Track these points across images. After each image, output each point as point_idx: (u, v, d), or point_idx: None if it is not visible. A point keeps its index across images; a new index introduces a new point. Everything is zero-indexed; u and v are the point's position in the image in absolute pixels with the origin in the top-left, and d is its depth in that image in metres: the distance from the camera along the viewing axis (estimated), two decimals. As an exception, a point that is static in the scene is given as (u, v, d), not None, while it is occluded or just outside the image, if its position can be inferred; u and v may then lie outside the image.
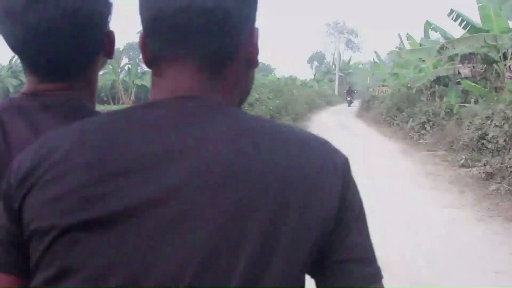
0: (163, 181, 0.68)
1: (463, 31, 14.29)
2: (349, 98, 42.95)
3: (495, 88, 14.18)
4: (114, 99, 61.85)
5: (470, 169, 9.57)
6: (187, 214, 0.67)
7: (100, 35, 1.05)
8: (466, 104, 15.99)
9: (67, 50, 0.98)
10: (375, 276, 0.78)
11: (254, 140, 0.72)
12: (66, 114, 0.98)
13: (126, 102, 56.44)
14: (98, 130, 0.75)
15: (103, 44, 1.06)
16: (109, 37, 1.08)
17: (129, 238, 0.68)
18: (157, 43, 0.77)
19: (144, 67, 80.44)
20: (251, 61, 0.82)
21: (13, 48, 1.01)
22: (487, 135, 9.92)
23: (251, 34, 0.81)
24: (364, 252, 0.78)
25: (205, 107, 0.74)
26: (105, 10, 1.04)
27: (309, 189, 0.72)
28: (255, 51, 0.82)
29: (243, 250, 0.67)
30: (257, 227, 0.68)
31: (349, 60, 71.87)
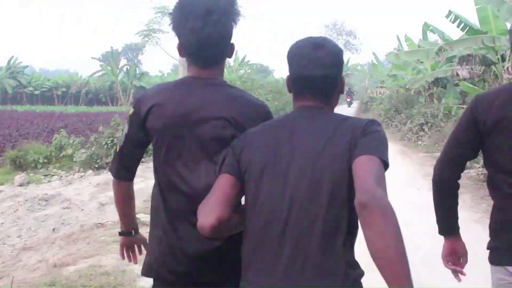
0: (300, 142, 1.64)
1: (461, 33, 14.31)
2: (348, 99, 43.08)
3: (493, 89, 14.20)
4: (113, 100, 61.81)
5: (468, 170, 9.58)
6: (300, 160, 1.62)
7: (229, 44, 1.98)
8: (464, 106, 16.01)
9: (218, 52, 1.95)
10: (375, 151, 1.56)
11: (335, 121, 1.67)
12: (221, 87, 1.94)
13: (125, 103, 56.42)
14: (275, 122, 1.80)
15: (229, 49, 2.00)
16: (231, 46, 2.00)
17: (286, 167, 1.62)
18: (297, 87, 1.76)
19: (143, 68, 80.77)
20: (341, 91, 1.82)
21: (188, 50, 1.93)
22: (485, 136, 9.93)
23: (341, 80, 1.81)
24: (372, 146, 1.57)
25: (318, 111, 1.73)
26: (232, 30, 1.96)
27: (350, 132, 1.61)
28: (343, 87, 1.83)
29: (327, 169, 1.59)
30: (332, 163, 1.59)
31: (348, 62, 71.87)
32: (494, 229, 2.18)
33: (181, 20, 1.89)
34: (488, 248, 2.24)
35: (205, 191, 1.74)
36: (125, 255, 2.31)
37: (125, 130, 2.01)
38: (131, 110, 1.99)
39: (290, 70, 1.76)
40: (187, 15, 1.87)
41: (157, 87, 2.05)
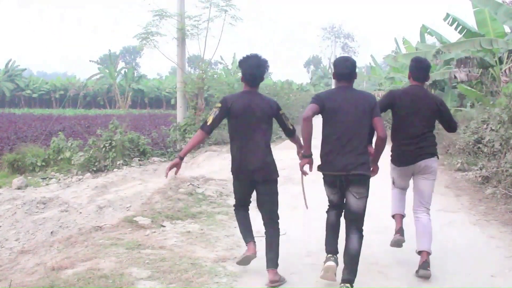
0: (344, 102, 4.31)
1: (459, 36, 14.35)
2: None
3: (491, 92, 14.22)
4: (111, 103, 61.76)
5: (466, 173, 9.59)
6: (347, 106, 4.29)
7: (263, 77, 4.68)
8: (462, 108, 16.02)
9: (259, 81, 4.58)
10: (379, 114, 4.41)
11: (359, 93, 4.49)
12: (260, 94, 4.63)
13: (123, 106, 56.40)
14: (334, 90, 4.50)
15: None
16: (263, 78, 4.74)
17: (341, 113, 4.32)
18: (338, 77, 4.45)
19: (141, 71, 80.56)
20: (355, 77, 4.51)
21: (247, 80, 4.54)
22: (483, 139, 9.94)
23: (356, 73, 4.52)
24: (378, 112, 4.37)
25: (349, 88, 4.43)
26: (266, 72, 4.73)
27: (369, 101, 4.36)
28: (356, 76, 4.52)
29: (362, 117, 4.30)
30: (361, 111, 4.28)
31: (346, 64, 71.83)
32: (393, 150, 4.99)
33: (245, 68, 4.47)
34: (391, 160, 5.04)
35: (257, 141, 4.44)
36: (168, 172, 4.44)
37: (216, 113, 4.42)
38: (219, 104, 4.48)
39: (334, 70, 4.43)
40: (247, 66, 4.47)
41: (231, 95, 4.77)
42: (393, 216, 5.21)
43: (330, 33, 72.27)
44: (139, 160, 12.93)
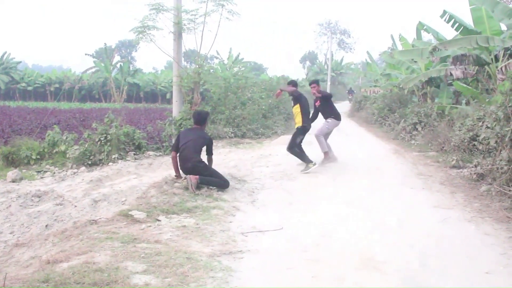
0: (304, 98, 10.42)
1: (456, 33, 14.35)
2: (350, 97, 47.90)
3: (487, 89, 14.25)
4: (106, 96, 61.57)
5: (461, 170, 9.61)
6: (305, 100, 10.48)
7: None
8: (457, 106, 16.05)
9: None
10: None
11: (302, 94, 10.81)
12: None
13: (118, 100, 56.27)
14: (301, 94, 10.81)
15: None
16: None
17: None
18: (296, 86, 10.63)
19: (136, 65, 79.76)
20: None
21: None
22: (478, 136, 9.96)
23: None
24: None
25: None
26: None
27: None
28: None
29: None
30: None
31: (341, 60, 72.03)
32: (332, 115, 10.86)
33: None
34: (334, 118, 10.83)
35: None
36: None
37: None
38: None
39: (295, 85, 10.43)
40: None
41: None
42: (324, 152, 10.45)
43: (327, 29, 72.26)
44: (134, 154, 12.89)
